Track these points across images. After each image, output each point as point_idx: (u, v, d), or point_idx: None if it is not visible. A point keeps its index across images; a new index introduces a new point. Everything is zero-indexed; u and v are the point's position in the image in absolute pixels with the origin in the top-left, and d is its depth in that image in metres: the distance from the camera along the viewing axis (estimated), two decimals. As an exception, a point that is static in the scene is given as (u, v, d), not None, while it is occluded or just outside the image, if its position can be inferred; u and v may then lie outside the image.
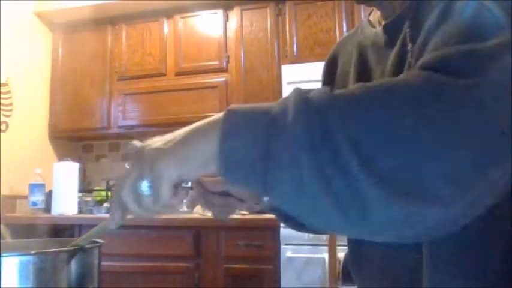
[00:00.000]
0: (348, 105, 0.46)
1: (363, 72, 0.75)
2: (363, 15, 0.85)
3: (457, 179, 0.43)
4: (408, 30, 0.65)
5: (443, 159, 0.43)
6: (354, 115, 0.45)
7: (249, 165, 0.47)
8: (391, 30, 0.70)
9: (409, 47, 0.64)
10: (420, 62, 0.49)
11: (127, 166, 0.53)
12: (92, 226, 2.27)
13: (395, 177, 0.43)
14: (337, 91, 0.48)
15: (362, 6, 0.81)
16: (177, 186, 0.52)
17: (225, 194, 0.70)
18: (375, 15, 0.79)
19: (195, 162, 0.51)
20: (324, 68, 0.90)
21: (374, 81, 0.50)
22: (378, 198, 0.43)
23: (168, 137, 0.54)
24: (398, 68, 0.67)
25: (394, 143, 0.43)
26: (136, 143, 0.56)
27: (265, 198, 0.73)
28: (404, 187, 0.43)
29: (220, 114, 0.50)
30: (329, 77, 0.87)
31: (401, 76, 0.48)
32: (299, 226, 0.85)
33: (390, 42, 0.70)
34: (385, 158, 0.43)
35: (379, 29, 0.74)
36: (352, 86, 0.49)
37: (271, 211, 0.79)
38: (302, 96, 0.47)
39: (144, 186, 0.50)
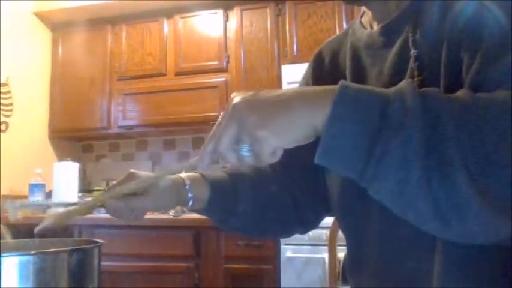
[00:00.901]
0: (463, 119, 0.47)
1: (358, 74, 0.74)
2: (363, 15, 0.83)
3: None
4: (411, 35, 0.65)
5: None
6: (467, 131, 0.46)
7: (353, 152, 0.48)
8: (389, 32, 0.70)
9: (412, 52, 0.64)
10: None
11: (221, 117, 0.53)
12: (92, 226, 2.28)
13: (496, 195, 0.46)
14: (449, 96, 0.49)
15: (362, 10, 0.80)
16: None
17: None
18: (366, 16, 0.78)
19: (294, 135, 0.51)
20: (309, 64, 0.88)
21: (483, 94, 0.50)
22: (480, 212, 0.46)
23: (268, 97, 0.52)
24: (397, 70, 0.66)
25: (499, 167, 0.46)
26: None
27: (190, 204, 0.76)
28: (502, 204, 0.47)
29: (331, 89, 0.50)
30: (316, 72, 0.86)
31: (508, 97, 0.49)
32: (230, 228, 0.86)
33: (387, 44, 0.70)
34: (489, 177, 0.46)
35: (373, 30, 0.74)
36: (462, 93, 0.50)
37: (200, 213, 0.81)
38: (419, 95, 0.48)
39: (245, 148, 0.51)
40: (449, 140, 0.46)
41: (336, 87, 0.50)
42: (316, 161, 0.50)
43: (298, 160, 0.83)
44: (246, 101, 0.52)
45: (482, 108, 0.48)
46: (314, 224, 0.89)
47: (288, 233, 0.92)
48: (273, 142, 0.51)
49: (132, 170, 0.74)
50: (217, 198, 0.78)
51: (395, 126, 0.46)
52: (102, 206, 0.72)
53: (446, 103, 0.48)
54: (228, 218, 0.82)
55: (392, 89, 0.50)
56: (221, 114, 0.53)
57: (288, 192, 0.85)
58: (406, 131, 0.46)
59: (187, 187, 0.75)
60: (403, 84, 0.50)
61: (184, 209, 0.79)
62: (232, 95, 0.53)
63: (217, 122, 0.53)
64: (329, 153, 0.49)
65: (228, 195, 0.79)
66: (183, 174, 0.77)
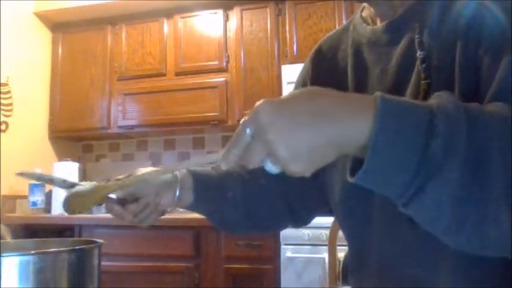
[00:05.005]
0: (509, 152, 0.45)
1: (360, 71, 0.73)
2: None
3: None
4: (417, 36, 0.63)
5: None
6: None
7: (392, 180, 0.47)
8: (394, 29, 0.68)
9: (418, 54, 0.62)
10: None
11: (245, 128, 0.49)
12: (92, 226, 2.28)
13: None
14: (493, 117, 0.47)
15: (362, 5, 0.78)
16: None
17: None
18: (368, 10, 0.76)
19: (320, 164, 0.49)
20: (308, 61, 0.86)
21: None
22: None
23: (294, 114, 0.47)
24: (403, 70, 0.65)
25: None
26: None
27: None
28: None
29: (364, 105, 0.47)
30: (315, 69, 0.84)
31: None
32: (223, 225, 0.87)
33: (392, 42, 0.68)
34: None
35: (377, 26, 0.72)
36: (503, 110, 0.48)
37: (193, 209, 0.83)
38: (465, 123, 0.45)
39: (274, 168, 0.50)
40: (493, 178, 0.45)
41: (370, 103, 0.47)
42: (352, 181, 0.49)
43: None
44: (272, 121, 0.47)
45: None
46: (306, 221, 0.90)
47: (280, 228, 0.93)
48: (305, 174, 0.49)
49: (140, 169, 0.76)
50: (203, 185, 0.80)
51: (434, 168, 0.45)
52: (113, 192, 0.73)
53: (493, 130, 0.46)
54: (220, 208, 0.83)
55: (437, 112, 0.46)
56: (244, 118, 0.50)
57: (279, 191, 0.85)
58: (445, 174, 0.44)
59: (178, 177, 0.78)
60: (447, 103, 0.47)
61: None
62: (258, 103, 0.48)
63: (240, 130, 0.49)
64: (368, 177, 0.48)
65: (214, 183, 0.81)
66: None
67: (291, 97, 0.49)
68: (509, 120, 0.46)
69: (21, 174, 0.69)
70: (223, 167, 0.51)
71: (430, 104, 0.48)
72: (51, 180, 0.70)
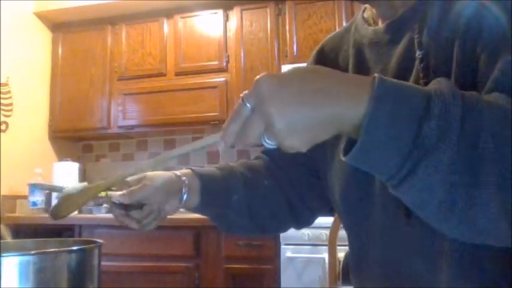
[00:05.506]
0: (504, 136, 0.45)
1: (361, 71, 0.73)
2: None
3: None
4: (417, 36, 0.64)
5: None
6: (508, 149, 0.45)
7: (385, 161, 0.47)
8: (395, 29, 0.68)
9: (417, 54, 0.63)
10: None
11: (245, 102, 0.49)
12: (92, 226, 2.28)
13: None
14: (491, 105, 0.47)
15: (364, 6, 0.78)
16: None
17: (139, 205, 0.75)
18: (369, 11, 0.77)
19: (318, 139, 0.49)
20: (311, 61, 0.86)
21: None
22: (507, 232, 0.47)
23: (294, 90, 0.47)
24: (402, 69, 0.66)
25: None
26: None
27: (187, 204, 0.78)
28: None
29: (361, 86, 0.47)
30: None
31: None
32: (226, 227, 0.87)
33: (393, 41, 0.68)
34: None
35: (378, 27, 0.72)
36: (500, 100, 0.48)
37: (197, 211, 0.83)
38: (461, 109, 0.46)
39: (271, 144, 0.49)
40: (486, 164, 0.45)
41: (368, 84, 0.47)
42: (345, 160, 0.49)
43: (294, 161, 0.84)
44: (273, 94, 0.47)
45: None
46: (309, 221, 0.90)
47: (283, 229, 0.93)
48: (301, 149, 0.49)
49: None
50: (209, 188, 0.80)
51: (427, 151, 0.45)
52: (109, 189, 0.74)
53: (488, 118, 0.46)
54: (224, 211, 0.83)
55: (434, 96, 0.46)
56: (244, 93, 0.50)
57: (282, 191, 0.86)
58: (437, 157, 0.45)
59: (186, 182, 0.78)
60: (444, 88, 0.47)
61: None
62: (258, 77, 0.49)
63: (240, 104, 0.50)
64: (360, 157, 0.48)
65: (219, 185, 0.81)
66: (178, 172, 0.80)
67: (293, 72, 0.49)
68: (508, 112, 0.47)
69: (34, 185, 0.70)
70: (222, 145, 0.52)
71: (428, 88, 0.48)
72: (61, 191, 0.70)
